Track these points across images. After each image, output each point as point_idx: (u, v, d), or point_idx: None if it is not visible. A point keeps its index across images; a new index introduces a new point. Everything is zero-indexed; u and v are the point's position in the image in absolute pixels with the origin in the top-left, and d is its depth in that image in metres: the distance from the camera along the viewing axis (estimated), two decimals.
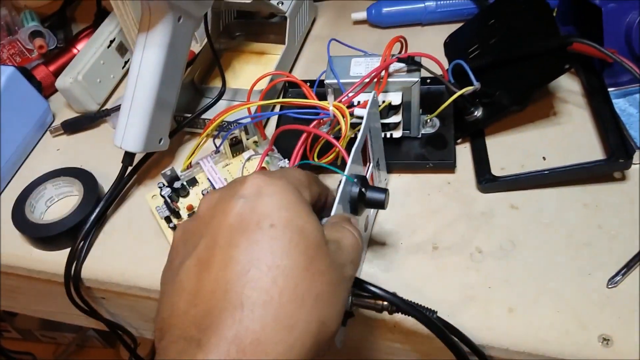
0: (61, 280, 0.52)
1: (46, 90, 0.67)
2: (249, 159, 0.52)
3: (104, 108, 0.65)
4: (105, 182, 0.56)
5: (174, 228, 0.49)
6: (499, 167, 0.51)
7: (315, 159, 0.48)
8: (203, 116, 0.58)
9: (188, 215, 0.50)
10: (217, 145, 0.52)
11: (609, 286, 0.43)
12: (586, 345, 0.41)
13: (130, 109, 0.51)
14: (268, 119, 0.60)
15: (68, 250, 0.52)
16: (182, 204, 0.50)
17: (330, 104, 0.46)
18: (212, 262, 0.28)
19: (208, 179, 0.51)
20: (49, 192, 0.56)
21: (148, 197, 0.52)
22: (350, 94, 0.48)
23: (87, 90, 0.63)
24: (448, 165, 0.52)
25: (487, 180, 0.50)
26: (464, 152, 0.54)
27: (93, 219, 0.52)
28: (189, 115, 0.58)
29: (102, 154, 0.61)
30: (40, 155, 0.63)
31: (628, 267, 0.43)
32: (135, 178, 0.57)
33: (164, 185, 0.50)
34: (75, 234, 0.52)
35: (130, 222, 0.54)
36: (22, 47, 0.70)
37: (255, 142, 0.54)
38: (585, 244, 0.46)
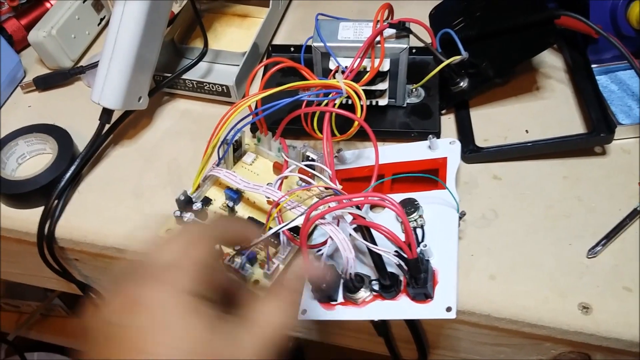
0: (33, 240, 0.50)
1: (17, 45, 0.64)
2: (252, 161, 0.50)
3: (78, 65, 0.62)
4: (79, 140, 0.55)
5: (218, 251, 0.42)
6: (482, 138, 0.52)
7: (337, 133, 0.46)
8: (184, 76, 0.56)
9: None
10: (221, 154, 0.47)
11: (589, 256, 0.44)
12: (566, 312, 0.41)
13: (110, 63, 0.49)
14: None
15: (41, 209, 0.50)
16: None
17: (340, 82, 0.44)
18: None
19: (229, 188, 0.47)
20: (21, 149, 0.54)
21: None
22: (354, 64, 0.47)
23: (60, 45, 0.60)
24: (433, 135, 0.51)
25: (470, 151, 0.50)
26: (448, 123, 0.54)
27: (68, 177, 0.50)
28: (169, 75, 0.56)
29: (75, 112, 0.59)
30: (11, 111, 0.60)
31: (608, 238, 0.44)
32: (111, 138, 0.55)
33: (181, 212, 0.45)
34: (49, 192, 0.50)
35: (106, 182, 0.53)
36: None
37: (256, 141, 0.50)
38: (565, 215, 0.46)
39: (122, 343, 0.30)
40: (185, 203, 0.46)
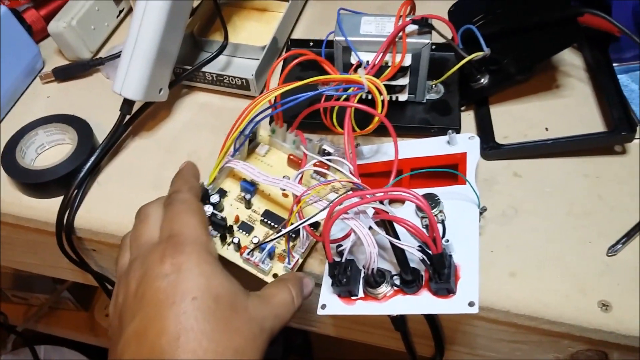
0: (52, 230, 0.50)
1: (36, 35, 0.64)
2: (266, 153, 0.50)
3: (97, 56, 0.62)
4: (98, 131, 0.55)
5: (237, 244, 0.44)
6: (502, 135, 0.52)
7: (357, 129, 0.46)
8: (204, 69, 0.56)
9: (238, 227, 0.45)
10: (237, 146, 0.47)
11: (609, 254, 0.44)
12: (585, 310, 0.41)
13: (132, 55, 0.49)
14: None
15: (60, 199, 0.50)
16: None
17: (362, 77, 0.44)
18: (148, 333, 0.33)
19: (245, 181, 0.47)
20: (40, 139, 0.54)
21: None
22: (376, 59, 0.47)
23: (80, 36, 0.61)
24: (452, 130, 0.51)
25: (491, 148, 0.50)
26: (467, 120, 0.54)
27: (88, 167, 0.51)
28: (189, 67, 0.56)
29: (94, 104, 0.59)
30: (30, 101, 0.61)
31: (628, 236, 0.44)
32: (131, 129, 0.55)
33: None
34: (69, 182, 0.50)
35: (126, 173, 0.53)
36: None
37: (270, 132, 0.50)
38: (586, 213, 0.46)
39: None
40: (203, 195, 0.45)
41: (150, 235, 0.39)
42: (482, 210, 0.43)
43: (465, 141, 0.47)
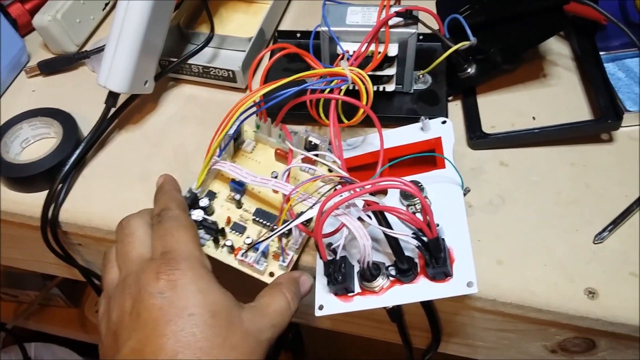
0: (37, 224, 0.50)
1: (21, 29, 0.63)
2: (252, 149, 0.49)
3: (83, 50, 0.62)
4: (83, 125, 0.54)
5: (231, 246, 0.43)
6: (489, 125, 0.51)
7: (345, 120, 0.46)
8: (190, 61, 0.56)
9: (230, 228, 0.45)
10: (222, 146, 0.46)
11: (596, 242, 0.44)
12: (572, 297, 0.41)
13: (117, 46, 0.49)
14: None
15: (45, 193, 0.50)
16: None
17: (345, 69, 0.44)
18: (145, 352, 0.33)
19: (233, 181, 0.46)
20: (25, 133, 0.54)
21: None
22: (361, 49, 0.47)
23: (65, 30, 0.60)
24: (425, 118, 0.51)
25: (477, 137, 0.50)
26: (454, 110, 0.54)
27: (73, 161, 0.50)
28: (175, 59, 0.56)
29: (79, 97, 0.58)
30: (15, 95, 0.60)
31: (614, 224, 0.44)
32: (116, 122, 0.55)
33: (189, 210, 0.44)
34: (54, 176, 0.50)
35: (112, 167, 0.53)
36: None
37: (255, 128, 0.49)
38: (573, 201, 0.46)
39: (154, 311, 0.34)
40: (192, 200, 0.45)
41: (140, 252, 0.38)
42: (466, 191, 0.43)
43: (438, 126, 0.47)
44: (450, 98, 0.54)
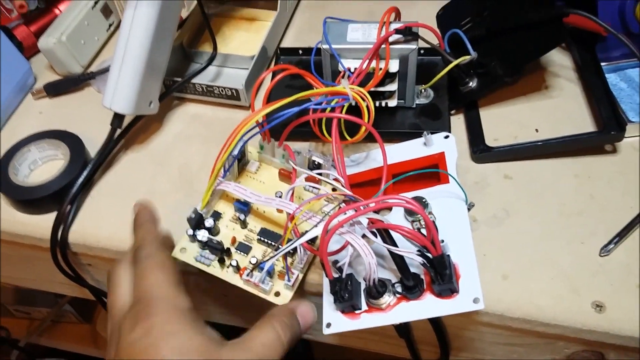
0: (47, 245, 0.50)
1: (27, 51, 0.65)
2: (257, 170, 0.49)
3: (88, 71, 0.63)
4: (90, 146, 0.55)
5: (236, 266, 0.43)
6: (492, 138, 0.52)
7: (348, 137, 0.46)
8: (194, 80, 0.57)
9: (235, 248, 0.45)
10: (226, 167, 0.46)
11: (602, 254, 0.44)
12: (579, 311, 0.41)
13: (121, 68, 0.49)
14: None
15: (54, 214, 0.50)
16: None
17: (346, 87, 0.44)
18: None
19: (238, 201, 0.46)
20: (33, 155, 0.55)
21: (176, 253, 0.44)
22: (362, 67, 0.47)
23: (70, 51, 0.61)
24: (428, 133, 0.51)
25: (481, 150, 0.50)
26: (457, 123, 0.54)
27: (81, 182, 0.51)
28: (179, 79, 0.57)
29: (86, 118, 0.59)
30: (22, 118, 0.61)
31: (620, 236, 0.44)
32: (122, 143, 0.55)
33: (194, 231, 0.44)
34: (62, 197, 0.50)
35: (119, 187, 0.53)
36: (1, 7, 0.67)
37: (259, 148, 0.50)
38: (578, 213, 0.46)
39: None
40: (197, 221, 0.45)
41: (122, 303, 0.39)
42: (470, 206, 0.43)
43: (441, 141, 0.47)
44: (452, 112, 0.54)
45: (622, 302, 0.41)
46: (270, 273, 0.43)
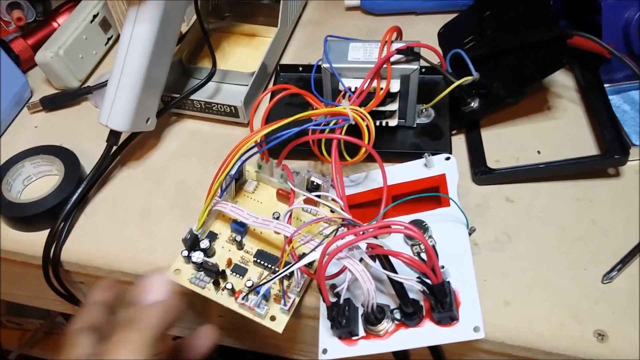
0: (39, 263, 0.49)
1: (24, 64, 0.64)
2: (254, 189, 0.48)
3: (85, 85, 0.62)
4: (86, 161, 0.54)
5: (231, 289, 0.42)
6: (493, 159, 0.51)
7: (347, 158, 0.45)
8: (192, 97, 0.56)
9: (231, 270, 0.44)
10: (224, 187, 0.45)
11: (604, 281, 0.43)
12: (581, 339, 0.41)
13: (118, 85, 0.49)
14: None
15: (47, 231, 0.50)
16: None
17: (347, 108, 0.43)
18: None
19: (234, 222, 0.45)
20: (27, 171, 0.54)
21: (170, 274, 0.44)
22: (363, 87, 0.47)
23: (68, 65, 0.60)
24: (429, 154, 0.50)
25: (482, 172, 0.50)
26: (458, 143, 0.53)
27: (75, 200, 0.50)
28: (177, 95, 0.56)
29: (82, 133, 0.58)
30: (17, 132, 0.60)
31: (623, 262, 0.43)
32: (118, 159, 0.55)
33: (189, 252, 0.43)
34: (55, 214, 0.50)
35: (113, 204, 0.52)
36: None
37: (257, 168, 0.49)
38: (580, 238, 0.46)
39: None
40: (192, 242, 0.44)
41: None
42: (471, 231, 0.43)
43: (442, 162, 0.47)
44: (453, 132, 0.53)
45: (625, 331, 0.41)
46: (266, 297, 0.42)
